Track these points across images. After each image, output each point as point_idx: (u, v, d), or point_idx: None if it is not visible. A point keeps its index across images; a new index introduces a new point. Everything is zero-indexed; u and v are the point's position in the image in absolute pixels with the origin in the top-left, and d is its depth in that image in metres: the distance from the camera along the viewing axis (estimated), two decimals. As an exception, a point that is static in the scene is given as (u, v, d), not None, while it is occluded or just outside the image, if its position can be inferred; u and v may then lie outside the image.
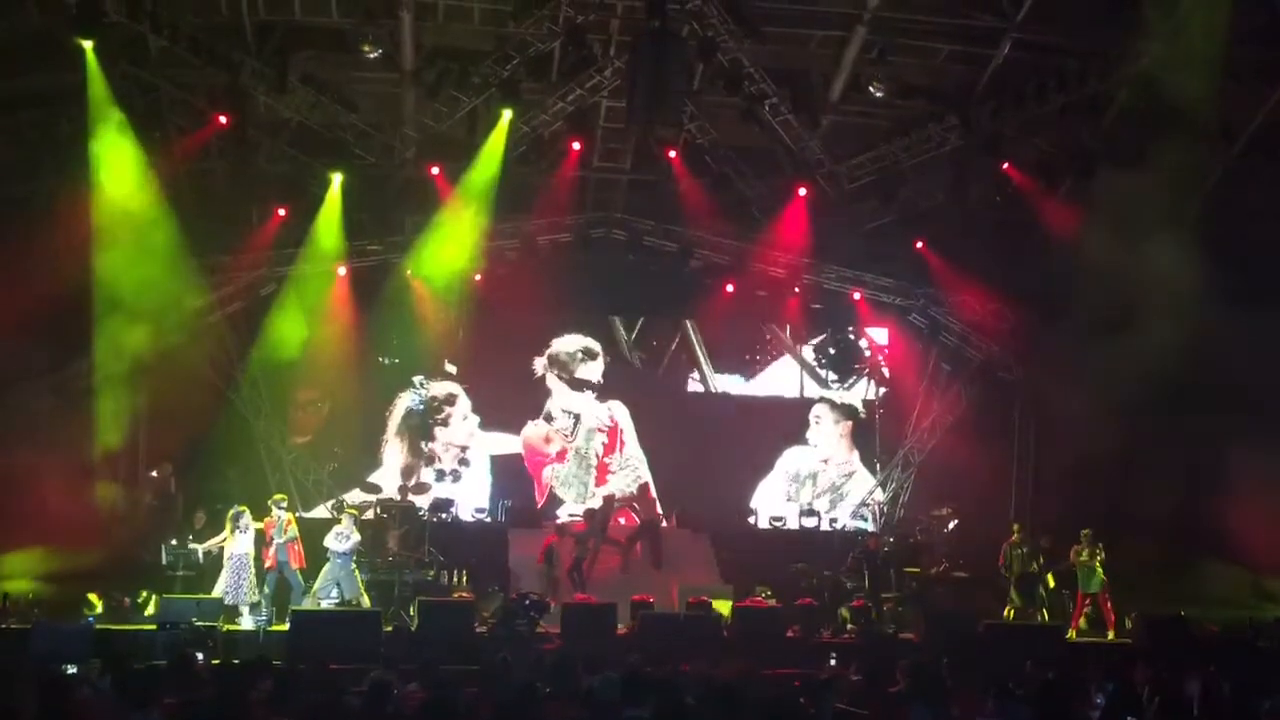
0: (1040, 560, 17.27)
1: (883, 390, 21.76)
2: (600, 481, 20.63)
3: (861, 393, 21.87)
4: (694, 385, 21.66)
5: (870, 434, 21.49)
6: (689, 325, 21.61)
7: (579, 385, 20.98)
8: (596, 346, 21.15)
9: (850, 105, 18.53)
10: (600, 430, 20.88)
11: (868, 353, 21.97)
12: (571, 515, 19.39)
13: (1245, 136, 17.85)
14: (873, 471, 21.31)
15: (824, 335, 21.83)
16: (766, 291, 20.93)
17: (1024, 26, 16.92)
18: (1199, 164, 17.39)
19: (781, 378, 21.93)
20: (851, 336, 21.88)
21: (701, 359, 21.74)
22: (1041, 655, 12.07)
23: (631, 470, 20.82)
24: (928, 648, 14.05)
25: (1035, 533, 17.61)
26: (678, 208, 19.57)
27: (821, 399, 21.69)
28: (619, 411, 21.03)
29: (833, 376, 21.88)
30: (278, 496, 16.51)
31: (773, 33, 17.21)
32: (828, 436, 21.51)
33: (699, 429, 21.06)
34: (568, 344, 21.02)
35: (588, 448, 20.76)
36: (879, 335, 21.85)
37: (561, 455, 20.67)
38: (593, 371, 21.06)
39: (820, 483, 21.25)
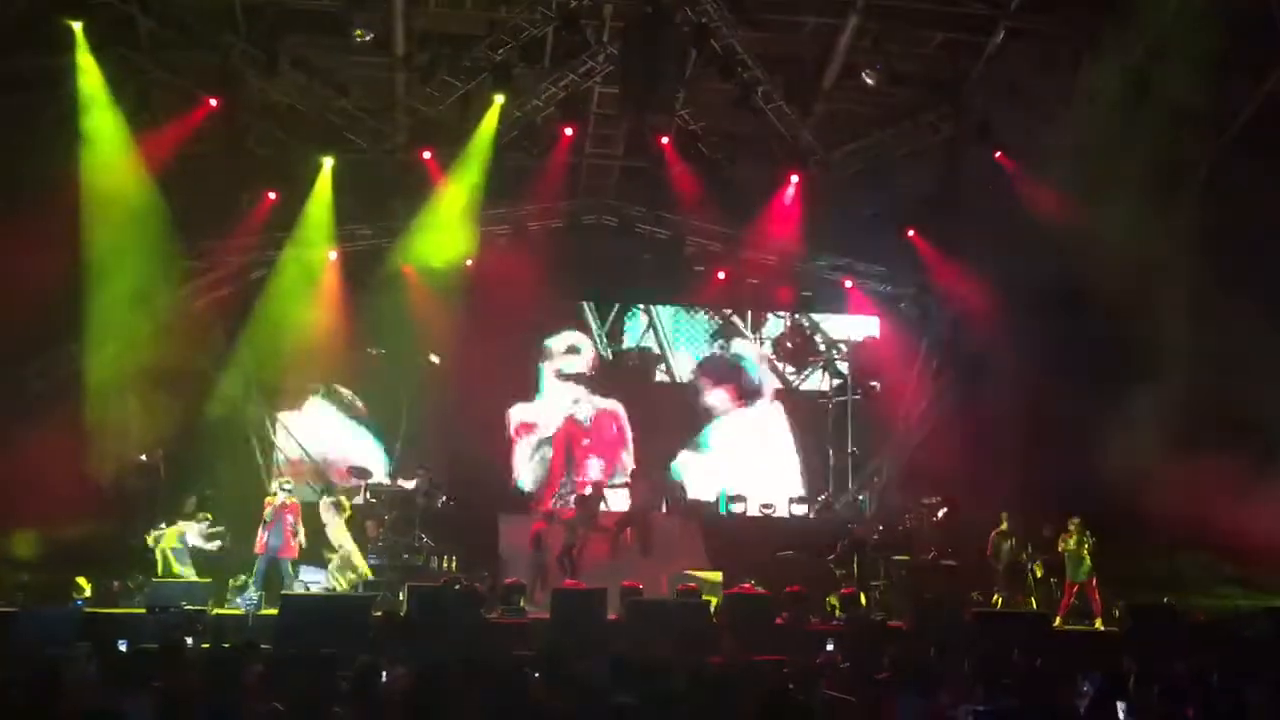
0: (1029, 548, 17.32)
1: (836, 381, 21.84)
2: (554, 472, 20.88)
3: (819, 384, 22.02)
4: (661, 376, 21.79)
5: (823, 425, 21.54)
6: (656, 315, 21.65)
7: (563, 378, 21.39)
8: (581, 342, 21.58)
9: (843, 93, 18.52)
10: (569, 423, 21.17)
11: (822, 346, 22.07)
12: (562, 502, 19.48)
13: (1235, 127, 17.89)
14: (826, 460, 21.36)
15: (781, 330, 21.91)
16: (758, 279, 20.95)
17: (1017, 15, 16.92)
18: (1190, 154, 17.40)
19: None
20: (807, 331, 21.93)
21: (667, 350, 21.86)
22: (1029, 643, 12.10)
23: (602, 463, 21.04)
24: (916, 635, 14.10)
25: (1034, 521, 17.63)
26: (669, 194, 19.57)
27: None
28: (598, 406, 21.32)
29: (789, 369, 21.91)
30: (283, 480, 16.48)
31: (766, 20, 17.20)
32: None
33: (671, 417, 21.47)
34: (557, 341, 21.55)
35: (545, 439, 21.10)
36: (856, 324, 21.97)
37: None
38: (574, 364, 21.46)
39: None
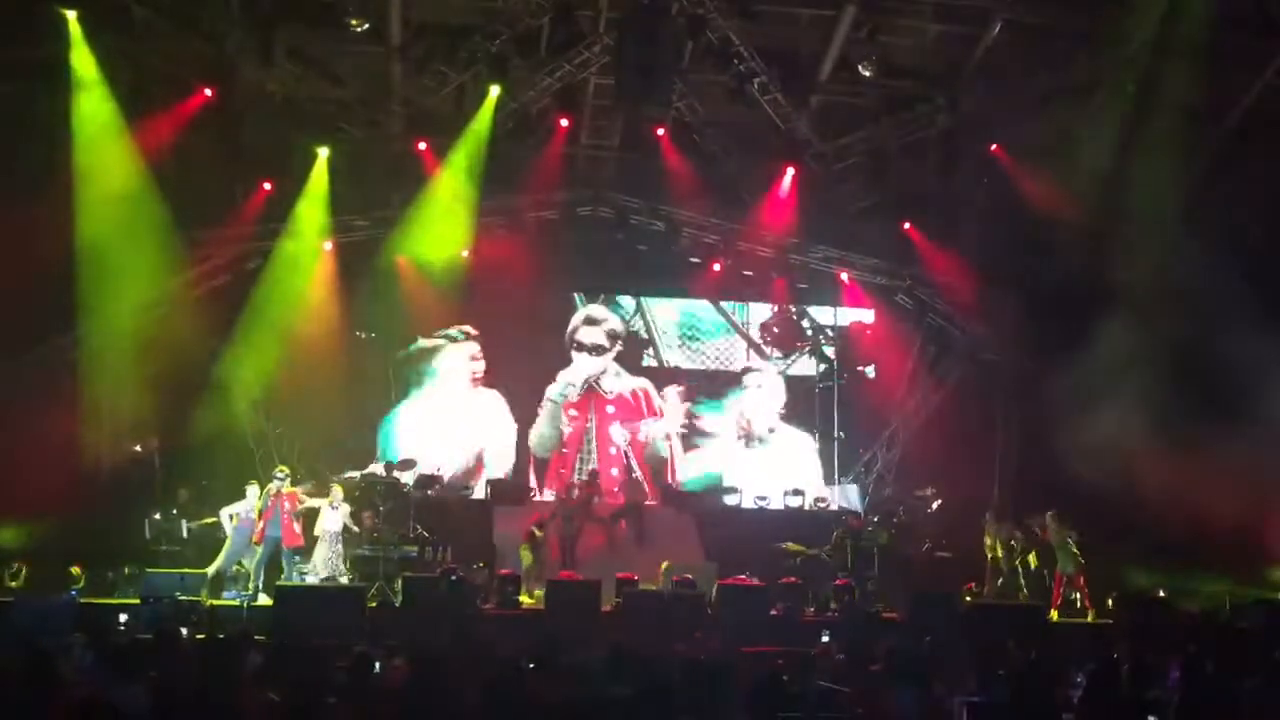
0: (1023, 540, 17.36)
1: (822, 366, 22.02)
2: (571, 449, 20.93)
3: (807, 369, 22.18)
4: (648, 361, 21.86)
5: (810, 411, 21.73)
6: (644, 303, 21.68)
7: (580, 349, 21.41)
8: (599, 313, 21.56)
9: (839, 85, 18.47)
10: (573, 399, 21.12)
11: (810, 331, 22.13)
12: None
13: (1234, 118, 17.89)
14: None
15: (769, 314, 21.97)
16: (753, 271, 20.96)
17: (1014, 7, 16.89)
18: (1188, 146, 17.40)
19: (728, 352, 22.20)
20: (794, 315, 21.97)
21: (655, 335, 21.95)
22: (1023, 635, 12.16)
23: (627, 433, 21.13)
24: (910, 627, 14.15)
25: (1027, 513, 17.66)
26: (665, 186, 19.53)
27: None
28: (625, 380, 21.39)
29: (776, 353, 22.03)
30: (279, 469, 16.48)
31: (762, 11, 17.15)
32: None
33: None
34: (578, 315, 21.57)
35: (558, 409, 21.03)
36: (850, 316, 21.98)
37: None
38: (588, 336, 21.42)
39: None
